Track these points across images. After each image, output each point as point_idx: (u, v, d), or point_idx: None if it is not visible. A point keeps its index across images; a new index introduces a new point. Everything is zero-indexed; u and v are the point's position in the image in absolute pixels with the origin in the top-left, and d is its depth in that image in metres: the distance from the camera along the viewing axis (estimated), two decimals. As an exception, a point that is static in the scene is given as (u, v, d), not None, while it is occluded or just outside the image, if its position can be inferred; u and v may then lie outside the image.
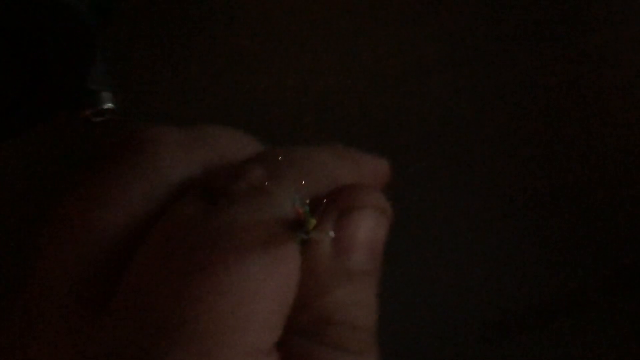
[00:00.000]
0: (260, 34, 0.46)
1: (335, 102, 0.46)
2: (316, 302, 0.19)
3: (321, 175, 0.21)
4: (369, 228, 0.20)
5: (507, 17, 0.46)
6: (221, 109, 0.44)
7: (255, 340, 0.18)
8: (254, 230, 0.18)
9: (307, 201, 0.19)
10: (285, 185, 0.20)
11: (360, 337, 0.20)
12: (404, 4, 0.46)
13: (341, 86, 0.46)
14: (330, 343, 0.19)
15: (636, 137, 0.47)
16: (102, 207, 0.20)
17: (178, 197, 0.20)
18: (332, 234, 0.20)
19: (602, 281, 0.46)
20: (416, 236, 0.46)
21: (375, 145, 0.25)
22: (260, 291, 0.18)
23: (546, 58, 0.46)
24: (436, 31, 0.46)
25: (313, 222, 0.19)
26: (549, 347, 0.46)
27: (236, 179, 0.20)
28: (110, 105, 0.24)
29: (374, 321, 0.20)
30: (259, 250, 0.18)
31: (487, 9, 0.47)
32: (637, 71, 0.47)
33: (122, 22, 0.45)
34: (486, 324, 0.47)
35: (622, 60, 0.47)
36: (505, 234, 0.47)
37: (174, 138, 0.21)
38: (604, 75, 0.47)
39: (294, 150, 0.22)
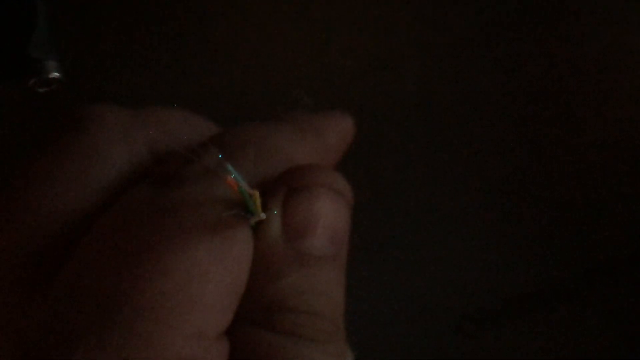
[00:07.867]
0: (232, 23, 0.45)
1: (311, 91, 0.45)
2: (268, 287, 0.19)
3: (277, 157, 0.21)
4: (327, 211, 0.19)
5: (485, 2, 0.46)
6: (192, 99, 0.44)
7: (199, 324, 0.17)
8: (201, 210, 0.18)
9: (254, 182, 0.18)
10: (236, 166, 0.19)
11: (318, 325, 0.19)
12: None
13: (316, 74, 0.45)
14: (282, 330, 0.18)
15: (619, 130, 0.46)
16: (40, 190, 0.19)
17: (126, 179, 0.20)
18: (275, 211, 0.19)
19: (578, 276, 0.46)
20: (394, 229, 0.46)
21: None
22: (207, 273, 0.17)
23: (525, 43, 0.46)
24: (413, 17, 0.46)
25: (257, 201, 0.18)
26: (525, 340, 0.46)
27: (190, 163, 0.19)
28: (56, 74, 0.23)
29: (336, 310, 0.19)
30: (206, 231, 0.17)
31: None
32: (616, 54, 0.46)
33: (92, 8, 0.44)
34: (464, 316, 0.46)
35: (600, 45, 0.46)
36: (484, 227, 0.47)
37: (114, 117, 0.21)
38: (584, 59, 0.46)
39: (252, 130, 0.21)
